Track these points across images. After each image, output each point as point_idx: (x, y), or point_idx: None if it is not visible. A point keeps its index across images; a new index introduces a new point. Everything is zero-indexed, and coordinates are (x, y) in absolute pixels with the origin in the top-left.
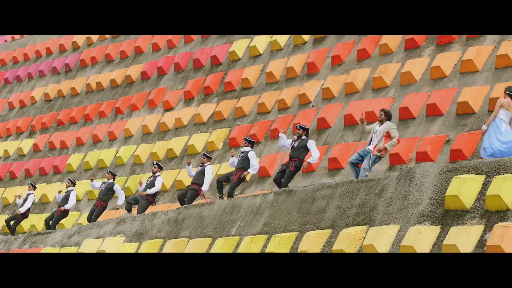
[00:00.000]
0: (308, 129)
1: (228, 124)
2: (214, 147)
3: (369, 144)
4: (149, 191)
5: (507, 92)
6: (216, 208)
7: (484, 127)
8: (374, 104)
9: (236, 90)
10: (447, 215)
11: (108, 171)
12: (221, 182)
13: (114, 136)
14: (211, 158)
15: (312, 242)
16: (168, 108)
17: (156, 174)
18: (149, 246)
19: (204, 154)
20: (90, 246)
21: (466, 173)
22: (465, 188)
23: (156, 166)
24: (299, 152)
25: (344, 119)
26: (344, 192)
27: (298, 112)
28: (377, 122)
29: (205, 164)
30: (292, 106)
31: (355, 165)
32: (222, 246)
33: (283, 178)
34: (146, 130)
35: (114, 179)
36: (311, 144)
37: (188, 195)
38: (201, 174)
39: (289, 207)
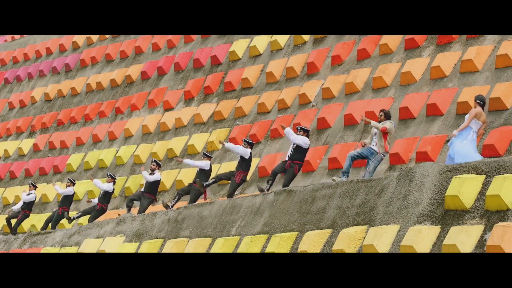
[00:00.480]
0: (309, 130)
1: (228, 124)
2: (214, 147)
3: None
4: (149, 177)
5: (477, 101)
6: (216, 208)
7: (455, 132)
8: (374, 104)
9: (236, 90)
10: (447, 215)
11: (108, 175)
12: (220, 179)
13: (114, 136)
14: (211, 157)
15: (312, 242)
16: (168, 108)
17: (154, 172)
18: (149, 246)
19: (204, 154)
20: (90, 246)
21: (466, 173)
22: (465, 188)
23: (154, 163)
24: (300, 153)
25: (344, 119)
26: (344, 192)
27: (298, 112)
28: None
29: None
30: (292, 106)
31: (353, 160)
32: (222, 246)
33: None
34: (146, 130)
35: (114, 182)
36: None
37: (192, 195)
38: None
39: (289, 207)
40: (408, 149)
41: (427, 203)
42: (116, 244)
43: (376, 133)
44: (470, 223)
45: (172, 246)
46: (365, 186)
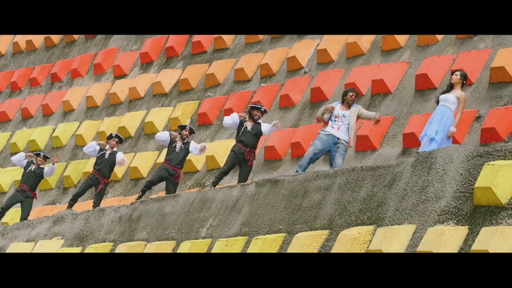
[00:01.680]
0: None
1: (196, 95)
2: (178, 125)
3: (329, 127)
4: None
5: (464, 81)
6: (182, 203)
7: (453, 129)
8: (383, 70)
9: (207, 52)
10: (477, 213)
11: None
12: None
13: (49, 111)
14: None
15: (304, 246)
16: (119, 75)
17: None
18: (95, 252)
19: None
20: (18, 251)
21: (502, 159)
22: (500, 178)
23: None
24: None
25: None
26: (344, 183)
27: (286, 81)
28: (338, 103)
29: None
30: (278, 73)
31: (312, 162)
32: (189, 251)
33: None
34: (92, 103)
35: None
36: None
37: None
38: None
39: (275, 202)
40: None
41: (451, 197)
42: (52, 249)
43: (348, 118)
44: (507, 222)
45: (125, 252)
46: (372, 175)
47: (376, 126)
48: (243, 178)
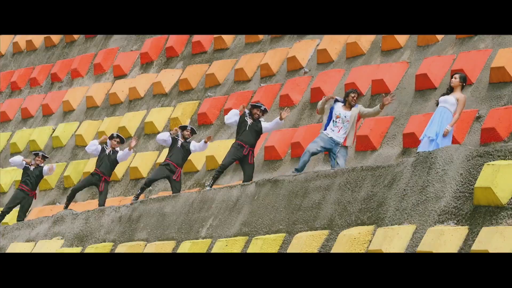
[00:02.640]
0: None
1: (196, 95)
2: (178, 125)
3: (326, 129)
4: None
5: (464, 83)
6: (182, 203)
7: (448, 127)
8: (383, 70)
9: (207, 52)
10: (477, 213)
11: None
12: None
13: (49, 111)
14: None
15: (304, 246)
16: (119, 75)
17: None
18: (95, 252)
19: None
20: (18, 251)
21: (502, 159)
22: (500, 178)
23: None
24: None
25: (345, 90)
26: (344, 183)
27: (286, 81)
28: (339, 102)
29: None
30: (278, 73)
31: (312, 156)
32: (189, 251)
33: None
34: (91, 103)
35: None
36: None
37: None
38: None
39: (275, 202)
40: None
41: (451, 197)
42: (52, 249)
43: (349, 119)
44: (507, 222)
45: (125, 252)
46: (372, 175)
47: (388, 102)
48: (248, 177)
